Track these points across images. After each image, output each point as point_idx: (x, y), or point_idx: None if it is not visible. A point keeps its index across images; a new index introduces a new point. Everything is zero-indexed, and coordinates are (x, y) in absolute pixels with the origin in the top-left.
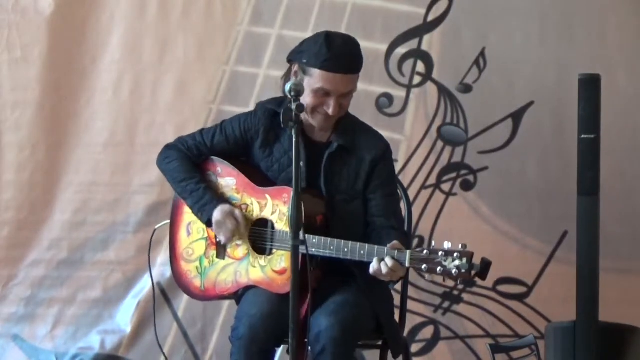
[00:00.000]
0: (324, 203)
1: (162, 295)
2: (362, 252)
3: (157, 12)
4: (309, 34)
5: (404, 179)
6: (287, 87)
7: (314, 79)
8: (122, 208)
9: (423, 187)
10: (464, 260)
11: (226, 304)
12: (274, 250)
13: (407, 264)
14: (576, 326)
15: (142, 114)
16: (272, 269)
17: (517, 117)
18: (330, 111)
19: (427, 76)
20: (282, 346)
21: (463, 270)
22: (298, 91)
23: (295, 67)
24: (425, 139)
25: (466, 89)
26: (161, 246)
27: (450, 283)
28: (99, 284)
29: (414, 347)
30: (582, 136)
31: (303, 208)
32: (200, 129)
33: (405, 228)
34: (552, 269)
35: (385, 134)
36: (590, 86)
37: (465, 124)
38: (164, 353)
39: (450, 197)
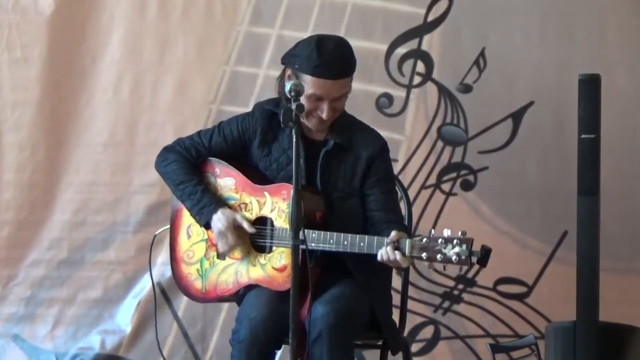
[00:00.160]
0: (322, 200)
1: (163, 295)
2: (361, 244)
3: (157, 12)
4: (308, 34)
5: (404, 179)
6: (287, 87)
7: (306, 85)
8: (122, 208)
9: (423, 187)
10: (464, 246)
11: (226, 303)
12: (274, 248)
13: (407, 252)
14: (576, 326)
15: (142, 114)
16: (272, 267)
17: (517, 117)
18: (324, 116)
19: (427, 76)
20: (282, 346)
21: (463, 257)
22: (298, 91)
23: (289, 71)
24: (425, 139)
25: (466, 89)
26: (162, 245)
27: (449, 269)
28: (99, 284)
29: (414, 347)
30: (582, 136)
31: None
32: (198, 131)
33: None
34: (552, 269)
35: (385, 134)
36: (590, 86)
37: (465, 124)
38: (162, 355)
39: (450, 197)
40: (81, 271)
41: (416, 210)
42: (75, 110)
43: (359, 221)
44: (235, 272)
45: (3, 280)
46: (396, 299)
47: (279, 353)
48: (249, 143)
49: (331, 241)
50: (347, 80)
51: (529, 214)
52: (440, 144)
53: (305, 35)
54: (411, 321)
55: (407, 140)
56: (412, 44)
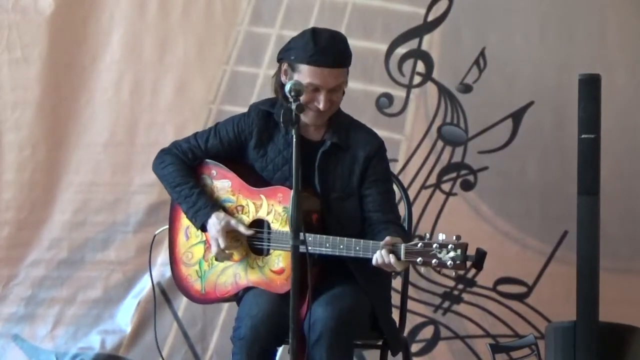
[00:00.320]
0: (319, 201)
1: (163, 295)
2: (357, 247)
3: (157, 12)
4: None
5: (404, 179)
6: (287, 87)
7: (303, 75)
8: (122, 208)
9: (423, 187)
10: (459, 251)
11: (226, 303)
12: (271, 251)
13: (402, 257)
14: (576, 326)
15: (142, 114)
16: (270, 269)
17: (517, 117)
18: (320, 106)
19: (427, 76)
20: (282, 346)
21: (458, 262)
22: (298, 91)
23: (285, 66)
24: (425, 139)
25: (466, 89)
26: (161, 246)
27: (450, 273)
28: (99, 284)
29: (414, 347)
30: (582, 136)
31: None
32: (195, 133)
33: (405, 227)
34: (552, 269)
35: (385, 134)
36: (590, 86)
37: (465, 124)
38: (161, 356)
39: (450, 197)
40: (81, 271)
41: (416, 211)
42: (75, 110)
43: (357, 222)
44: (234, 274)
45: (3, 280)
46: (396, 299)
47: (279, 352)
48: (245, 144)
49: (327, 245)
50: (343, 71)
51: (529, 214)
52: (440, 144)
53: None
54: (411, 321)
55: (407, 140)
56: (412, 44)
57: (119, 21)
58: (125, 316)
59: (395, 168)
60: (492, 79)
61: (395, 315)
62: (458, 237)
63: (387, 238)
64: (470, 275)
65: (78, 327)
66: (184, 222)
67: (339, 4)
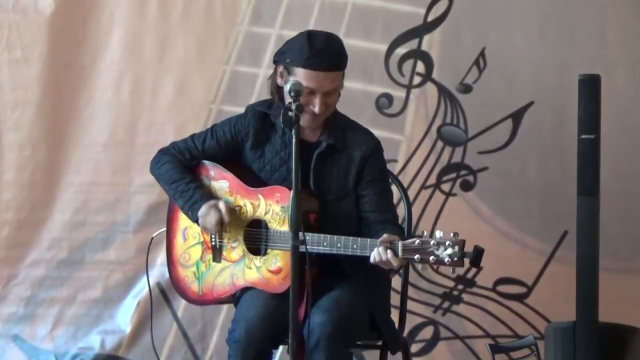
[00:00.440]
0: (317, 202)
1: (162, 295)
2: (354, 246)
3: (157, 12)
4: None
5: (404, 179)
6: (287, 87)
7: (298, 78)
8: (122, 208)
9: (423, 187)
10: (456, 248)
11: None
12: (269, 250)
13: (399, 254)
14: (576, 326)
15: (142, 114)
16: (267, 269)
17: (517, 117)
18: (316, 110)
19: (427, 76)
20: (281, 347)
21: (455, 259)
22: (298, 91)
23: (280, 68)
24: (425, 139)
25: (466, 89)
26: (161, 245)
27: (448, 270)
28: (99, 284)
29: (414, 347)
30: (582, 136)
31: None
32: (192, 134)
33: (405, 227)
34: (552, 269)
35: (385, 134)
36: (590, 86)
37: (465, 124)
38: (157, 357)
39: (450, 197)
40: (81, 271)
41: (416, 211)
42: (75, 110)
43: (354, 222)
44: (231, 274)
45: (3, 280)
46: (396, 299)
47: (279, 352)
48: (242, 145)
49: (325, 243)
50: (338, 74)
51: (529, 214)
52: (440, 144)
53: None
54: (411, 321)
55: (407, 141)
56: (412, 44)
57: (119, 21)
58: (125, 316)
59: (395, 168)
60: (492, 79)
61: (395, 315)
62: (455, 234)
63: (385, 235)
64: (470, 275)
65: (78, 327)
66: (182, 223)
67: (339, 4)
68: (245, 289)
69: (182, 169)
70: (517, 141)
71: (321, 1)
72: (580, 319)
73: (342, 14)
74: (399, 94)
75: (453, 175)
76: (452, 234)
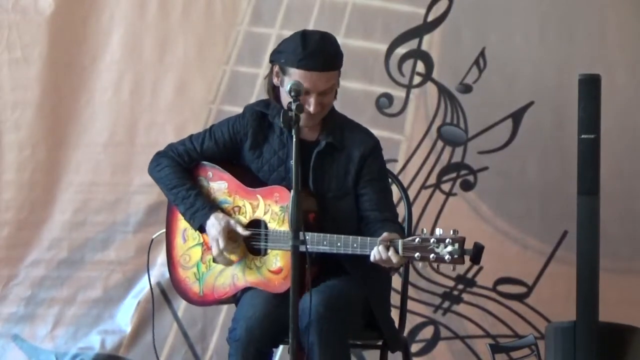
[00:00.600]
0: (316, 201)
1: (162, 295)
2: (355, 244)
3: (157, 12)
4: None
5: (404, 179)
6: (287, 87)
7: (293, 78)
8: (122, 208)
9: (423, 187)
10: (456, 245)
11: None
12: (269, 251)
13: (400, 252)
14: (576, 326)
15: (142, 114)
16: (267, 269)
17: (517, 117)
18: (311, 109)
19: (427, 76)
20: (281, 346)
21: (456, 256)
22: (298, 91)
23: (276, 68)
24: (425, 139)
25: (466, 89)
26: (161, 246)
27: (448, 268)
28: (99, 284)
29: (414, 347)
30: (582, 136)
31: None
32: (190, 135)
33: (405, 227)
34: (552, 269)
35: (385, 134)
36: (590, 86)
37: (465, 124)
38: (157, 357)
39: (450, 197)
40: (81, 271)
41: (416, 211)
42: (75, 110)
43: (353, 221)
44: (232, 275)
45: (3, 280)
46: (396, 299)
47: (279, 352)
48: (240, 145)
49: (325, 242)
50: (333, 74)
51: (529, 214)
52: (440, 144)
53: None
54: (411, 321)
55: (407, 140)
56: (412, 44)
57: (119, 21)
58: (125, 316)
59: (395, 168)
60: (492, 79)
61: (395, 315)
62: (455, 232)
63: (385, 234)
64: (470, 275)
65: (78, 327)
66: (181, 224)
67: (339, 4)
68: (246, 289)
69: (181, 174)
70: (517, 141)
71: (321, 1)
72: (580, 319)
73: (342, 14)
74: (399, 93)
75: (453, 175)
76: (452, 231)
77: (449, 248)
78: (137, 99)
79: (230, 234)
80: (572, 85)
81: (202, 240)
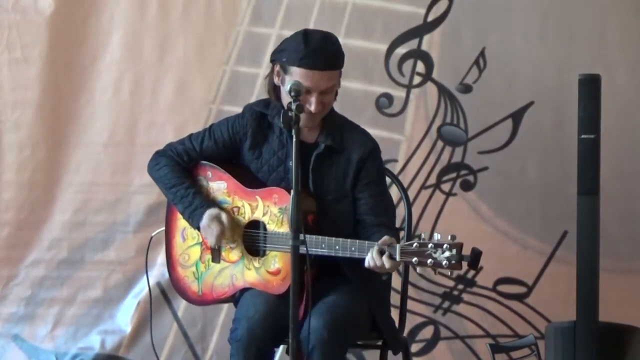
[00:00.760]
0: (315, 203)
1: (162, 295)
2: (353, 248)
3: (157, 12)
4: None
5: (404, 179)
6: (287, 87)
7: (294, 77)
8: (122, 208)
9: (423, 187)
10: (454, 251)
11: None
12: (267, 252)
13: (397, 257)
14: (576, 326)
15: (142, 114)
16: (266, 270)
17: (517, 117)
18: (312, 108)
19: (427, 76)
20: (281, 346)
21: (453, 261)
22: (298, 91)
23: (277, 67)
24: (425, 139)
25: (466, 89)
26: (161, 245)
27: (446, 273)
28: (99, 284)
29: (414, 347)
30: (582, 136)
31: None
32: (189, 135)
33: (405, 227)
34: (552, 269)
35: (385, 134)
36: (590, 86)
37: (465, 124)
38: (157, 357)
39: (450, 197)
40: (81, 271)
41: (416, 211)
42: (75, 110)
43: (352, 223)
44: (231, 275)
45: (3, 280)
46: (396, 299)
47: (278, 352)
48: (240, 145)
49: (323, 245)
50: (334, 73)
51: (529, 214)
52: (440, 144)
53: None
54: (411, 321)
55: (407, 141)
56: (412, 44)
57: (119, 21)
58: (125, 316)
59: (395, 168)
60: (492, 79)
61: (395, 315)
62: (453, 237)
63: (385, 238)
64: (470, 275)
65: (78, 327)
66: (180, 223)
67: (339, 4)
68: (245, 289)
69: (180, 173)
70: (517, 141)
71: (321, 1)
72: (580, 319)
73: (342, 14)
74: (399, 94)
75: (453, 175)
76: (449, 237)
77: (447, 254)
78: (137, 99)
79: (220, 222)
80: (572, 85)
81: (201, 240)
